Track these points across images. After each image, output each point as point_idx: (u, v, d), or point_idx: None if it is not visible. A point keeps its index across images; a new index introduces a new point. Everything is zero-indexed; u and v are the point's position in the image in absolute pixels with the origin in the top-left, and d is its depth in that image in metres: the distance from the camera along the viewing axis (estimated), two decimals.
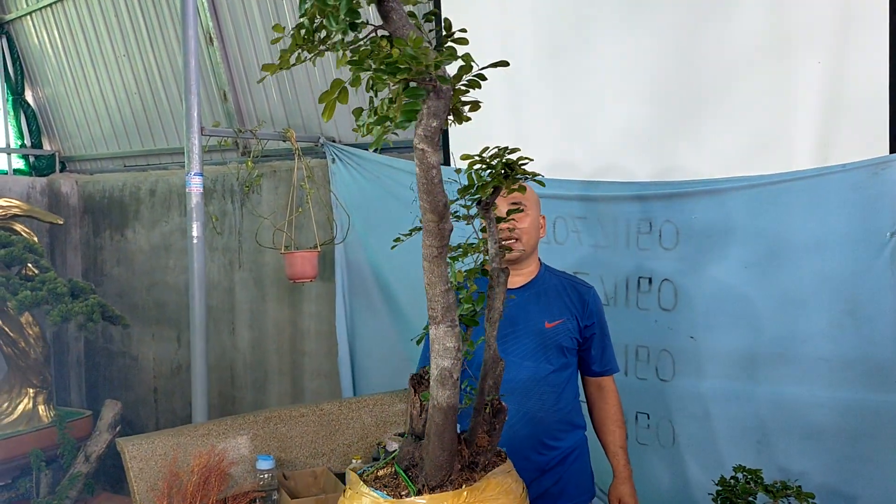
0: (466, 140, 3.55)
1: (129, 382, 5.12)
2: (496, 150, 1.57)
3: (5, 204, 3.77)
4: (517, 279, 2.45)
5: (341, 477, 3.39)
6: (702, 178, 2.86)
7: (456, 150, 3.62)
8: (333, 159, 3.95)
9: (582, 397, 2.58)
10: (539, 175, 1.63)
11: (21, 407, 3.75)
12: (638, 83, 3.00)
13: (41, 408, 3.80)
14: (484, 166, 1.55)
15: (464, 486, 1.48)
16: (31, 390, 3.79)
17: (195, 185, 3.38)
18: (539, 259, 2.53)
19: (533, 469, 2.43)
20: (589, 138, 3.16)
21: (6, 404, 3.76)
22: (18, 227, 3.86)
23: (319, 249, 3.86)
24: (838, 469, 2.65)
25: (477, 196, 1.57)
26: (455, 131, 3.59)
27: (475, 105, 1.32)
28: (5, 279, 3.45)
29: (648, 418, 3.12)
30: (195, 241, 3.38)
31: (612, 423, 2.51)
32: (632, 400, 3.11)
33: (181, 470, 3.12)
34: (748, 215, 2.77)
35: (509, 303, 2.27)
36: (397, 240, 1.67)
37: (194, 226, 3.38)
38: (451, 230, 1.35)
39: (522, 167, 1.58)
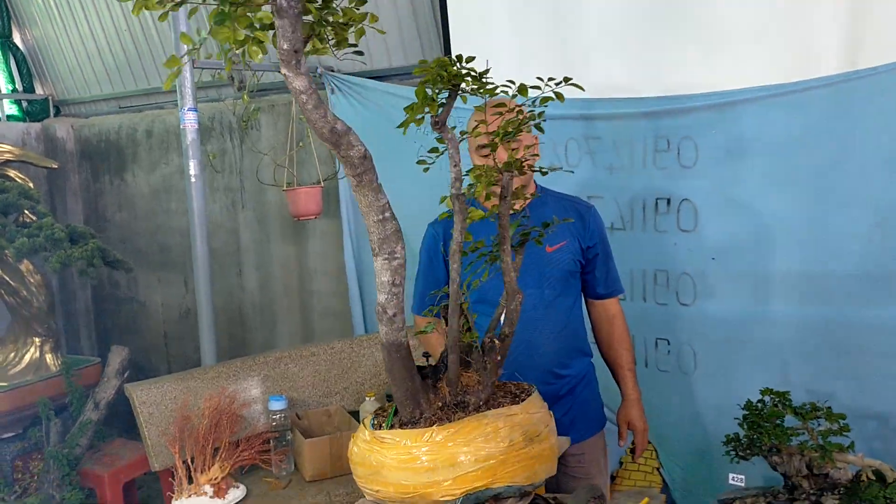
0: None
1: (138, 328, 5.07)
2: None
3: None
4: (514, 204, 2.35)
5: (355, 415, 3.35)
6: (718, 90, 2.71)
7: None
8: (333, 90, 3.79)
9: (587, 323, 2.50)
10: (507, 87, 1.47)
11: (28, 356, 3.69)
12: None
13: (48, 356, 3.74)
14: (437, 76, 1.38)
15: (434, 426, 1.37)
16: (37, 339, 3.72)
17: (189, 122, 3.24)
18: (535, 181, 2.42)
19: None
20: (591, 56, 2.99)
21: (12, 354, 3.70)
22: (12, 173, 3.74)
23: (322, 185, 3.73)
24: (869, 389, 2.56)
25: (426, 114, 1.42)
26: (459, 51, 3.42)
27: (360, 31, 1.26)
28: (1, 227, 3.35)
29: (668, 344, 3.03)
30: (193, 180, 3.26)
31: (619, 345, 2.44)
32: (651, 326, 3.03)
33: (192, 413, 3.07)
34: (771, 127, 2.63)
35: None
36: (421, 162, 1.53)
37: (191, 164, 3.26)
38: (362, 156, 1.26)
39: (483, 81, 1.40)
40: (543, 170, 1.68)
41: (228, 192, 4.46)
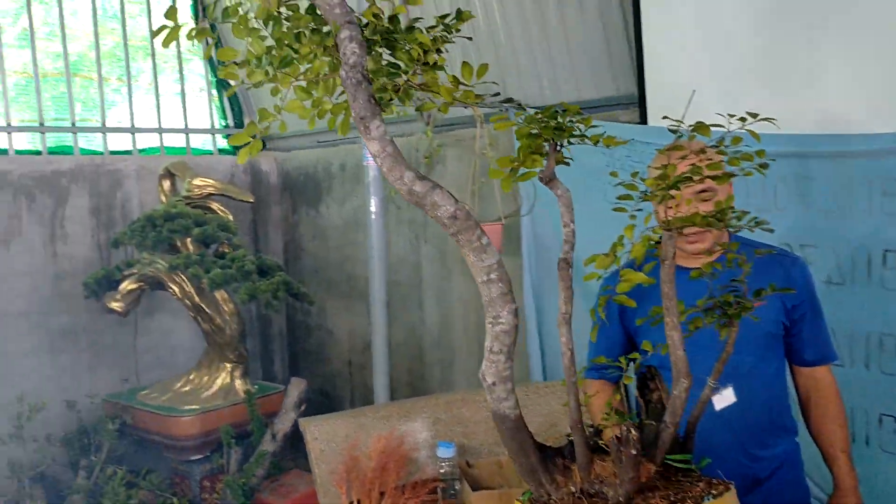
0: (668, 95, 3.14)
1: (326, 355, 5.20)
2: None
3: (201, 183, 3.86)
4: (704, 257, 2.07)
5: None
6: None
7: (655, 107, 3.22)
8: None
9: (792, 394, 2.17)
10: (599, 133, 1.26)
11: (219, 381, 3.86)
12: (871, 13, 2.44)
13: (238, 382, 3.88)
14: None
15: None
16: (228, 365, 3.88)
17: (371, 158, 3.24)
18: (727, 229, 2.12)
19: (736, 483, 2.07)
20: (812, 85, 2.63)
21: (205, 378, 3.88)
22: (214, 205, 3.95)
23: (504, 222, 3.60)
24: None
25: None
26: (654, 85, 3.18)
27: (482, 68, 1.24)
28: (200, 257, 3.52)
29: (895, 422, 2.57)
30: (374, 216, 3.25)
31: (831, 421, 2.08)
32: (874, 399, 2.59)
33: (360, 454, 3.02)
34: None
35: (693, 285, 1.91)
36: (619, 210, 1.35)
37: (373, 201, 3.26)
38: (451, 216, 1.20)
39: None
40: (745, 226, 1.42)
41: (412, 226, 4.45)
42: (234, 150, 5.44)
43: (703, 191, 1.93)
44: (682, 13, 3.07)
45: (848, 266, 2.61)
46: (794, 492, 2.11)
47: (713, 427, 2.03)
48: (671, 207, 1.96)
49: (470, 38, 1.47)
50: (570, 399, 1.31)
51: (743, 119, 1.31)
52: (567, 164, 1.36)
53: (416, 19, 1.31)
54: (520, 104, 3.65)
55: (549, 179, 1.30)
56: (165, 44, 1.21)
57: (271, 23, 1.24)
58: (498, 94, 3.71)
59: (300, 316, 5.37)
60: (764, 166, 1.35)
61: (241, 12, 1.21)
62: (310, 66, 1.21)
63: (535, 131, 1.25)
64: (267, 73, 1.21)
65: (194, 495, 3.75)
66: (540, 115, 1.25)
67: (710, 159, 1.33)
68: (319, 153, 5.03)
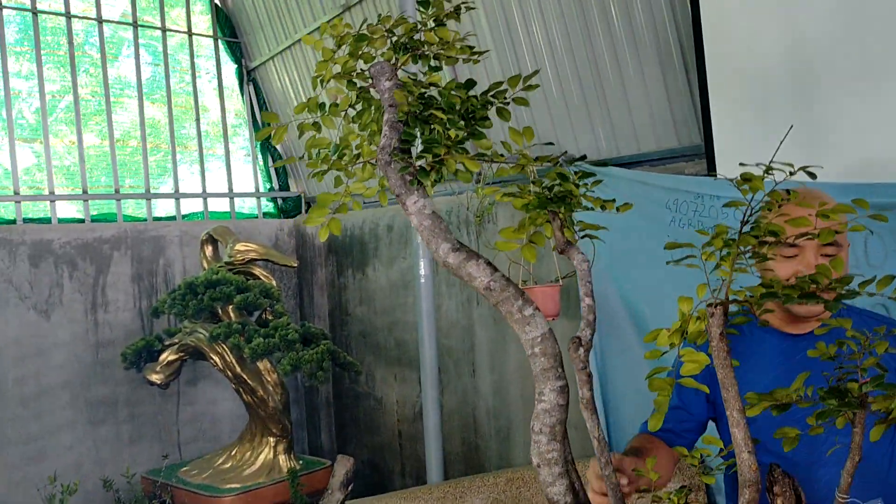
0: (741, 142, 2.91)
1: (374, 425, 4.96)
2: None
3: (243, 248, 3.72)
4: (804, 325, 1.79)
5: None
6: None
7: (725, 160, 2.99)
8: (577, 184, 3.44)
9: None
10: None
11: (262, 457, 3.65)
12: None
13: (281, 457, 3.67)
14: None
15: None
16: (272, 439, 3.68)
17: (415, 210, 3.06)
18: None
19: None
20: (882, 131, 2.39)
21: (248, 453, 3.67)
22: (257, 270, 3.81)
23: (561, 283, 3.36)
24: None
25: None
26: (725, 134, 2.96)
27: (528, 132, 1.23)
28: (241, 326, 3.36)
29: None
30: (423, 280, 3.05)
31: None
32: None
33: None
34: None
35: (799, 353, 1.65)
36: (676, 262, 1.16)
37: (422, 264, 3.06)
38: (486, 287, 1.20)
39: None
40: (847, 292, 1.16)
41: (464, 288, 4.24)
42: (279, 212, 5.33)
43: (829, 244, 1.68)
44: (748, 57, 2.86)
45: None
46: None
47: None
48: (770, 270, 1.72)
49: (525, 103, 1.31)
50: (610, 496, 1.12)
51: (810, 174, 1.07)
52: (592, 237, 1.25)
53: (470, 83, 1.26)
54: (576, 158, 3.45)
55: (563, 249, 1.22)
56: (259, 138, 1.25)
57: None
58: (564, 153, 3.52)
59: (347, 383, 5.16)
60: (880, 217, 1.12)
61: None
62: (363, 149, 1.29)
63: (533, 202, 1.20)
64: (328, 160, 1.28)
65: None
66: (539, 181, 1.20)
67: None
68: (366, 213, 4.88)
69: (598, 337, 3.45)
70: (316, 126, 1.33)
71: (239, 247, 3.70)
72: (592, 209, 1.23)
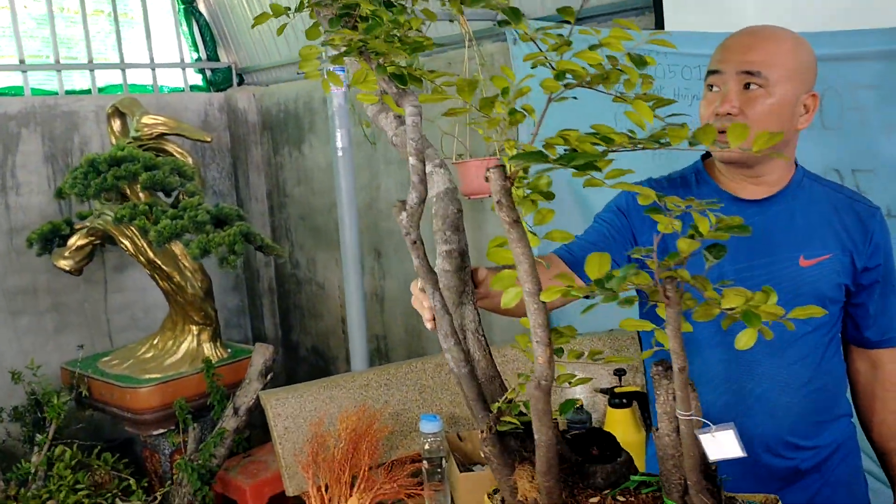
0: None
1: (318, 311, 4.76)
2: None
3: (151, 122, 3.36)
4: (756, 189, 1.57)
5: None
6: None
7: (674, 13, 2.67)
8: (515, 40, 3.12)
9: None
10: None
11: (185, 346, 3.43)
12: None
13: (206, 346, 3.46)
14: None
15: None
16: (195, 328, 3.45)
17: (335, 85, 2.72)
18: (796, 161, 1.61)
19: (770, 479, 1.62)
20: None
21: (170, 342, 3.46)
22: (170, 146, 3.47)
23: (499, 157, 3.09)
24: None
25: None
26: None
27: None
28: (148, 206, 3.06)
29: None
30: (340, 153, 2.75)
31: (892, 414, 1.63)
32: None
33: (329, 432, 2.59)
34: None
35: (745, 221, 1.43)
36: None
37: (338, 135, 2.75)
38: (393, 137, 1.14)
39: None
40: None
41: (402, 166, 3.94)
42: (208, 86, 4.93)
43: (750, 75, 1.46)
44: None
45: None
46: (847, 486, 1.65)
47: (747, 410, 1.58)
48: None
49: None
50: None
51: None
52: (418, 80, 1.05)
53: None
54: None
55: (397, 101, 1.07)
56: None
57: None
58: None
59: (290, 269, 4.92)
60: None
61: None
62: None
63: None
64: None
65: (164, 471, 3.37)
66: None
67: None
68: (300, 86, 4.49)
69: None
70: None
71: (146, 120, 3.35)
72: None
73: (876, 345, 1.62)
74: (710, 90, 1.51)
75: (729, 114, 1.45)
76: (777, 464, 1.62)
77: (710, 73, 1.52)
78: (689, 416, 0.88)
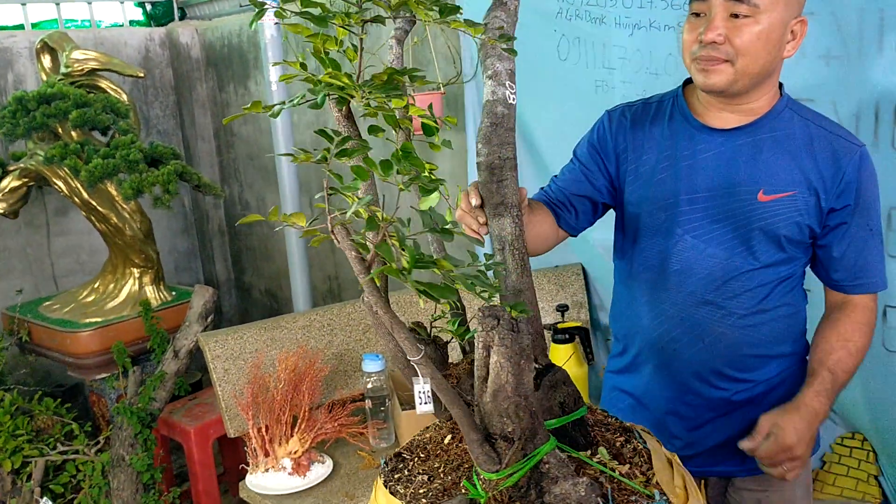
0: None
1: (269, 252, 4.69)
2: None
3: (81, 57, 3.22)
4: (730, 118, 1.53)
5: None
6: None
7: None
8: None
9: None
10: None
11: (126, 289, 3.36)
12: None
13: (148, 289, 3.39)
14: None
15: None
16: (136, 270, 3.37)
17: (268, 14, 2.61)
18: (781, 90, 1.54)
19: (702, 407, 1.65)
20: None
21: (112, 286, 3.38)
22: (104, 83, 3.33)
23: (443, 90, 3.01)
24: None
25: None
26: None
27: None
28: (79, 145, 2.95)
29: None
30: (273, 87, 2.65)
31: (837, 338, 1.56)
32: None
33: (269, 373, 2.57)
34: None
35: (710, 151, 1.51)
36: None
37: (272, 70, 2.65)
38: None
39: None
40: None
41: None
42: (148, 20, 4.75)
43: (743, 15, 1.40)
44: None
45: (851, 125, 2.05)
46: None
47: (682, 336, 1.58)
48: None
49: None
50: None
51: None
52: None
53: None
54: None
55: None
56: None
57: None
58: None
59: (239, 209, 4.84)
60: None
61: None
62: None
63: None
64: None
65: (112, 416, 3.33)
66: None
67: None
68: (244, 19, 4.34)
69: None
70: None
71: (76, 55, 3.21)
72: None
73: (847, 290, 1.58)
74: (696, 17, 1.45)
75: (714, 42, 1.40)
76: (707, 392, 1.62)
77: (694, 13, 1.48)
78: None
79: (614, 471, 0.97)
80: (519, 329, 0.93)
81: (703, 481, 1.75)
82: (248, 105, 1.00)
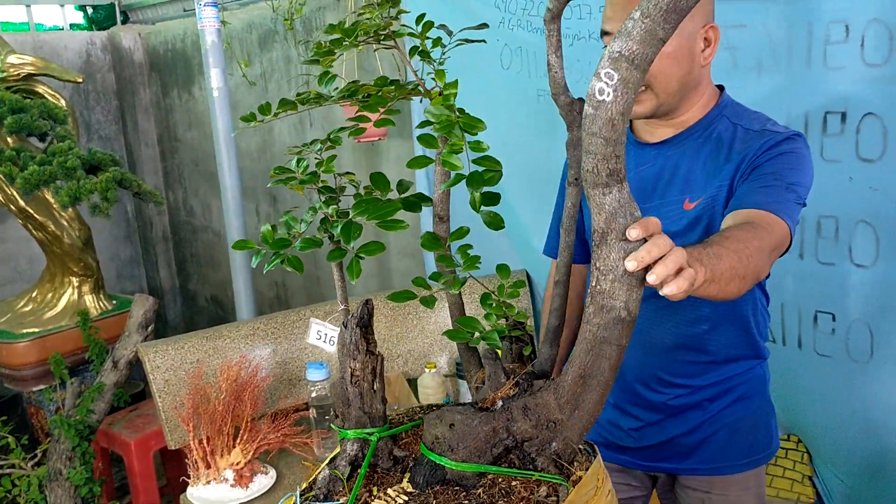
0: None
1: (215, 259, 4.64)
2: None
3: (17, 61, 3.14)
4: (665, 131, 1.55)
5: (416, 386, 2.75)
6: None
7: None
8: None
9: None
10: None
11: (65, 298, 3.29)
12: None
13: (87, 298, 3.32)
14: None
15: None
16: (75, 279, 3.30)
17: (209, 19, 2.58)
18: (718, 93, 1.55)
19: (649, 409, 1.67)
20: None
21: (49, 295, 3.31)
22: (42, 88, 3.26)
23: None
24: None
25: None
26: None
27: None
28: (15, 152, 2.88)
29: (833, 320, 2.15)
30: (216, 93, 2.63)
31: (739, 232, 1.27)
32: (809, 294, 2.15)
33: (210, 384, 2.54)
34: None
35: (645, 165, 1.54)
36: None
37: (213, 74, 2.62)
38: None
39: None
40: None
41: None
42: (90, 24, 4.66)
43: None
44: None
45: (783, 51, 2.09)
46: (731, 428, 1.63)
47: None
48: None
49: None
50: None
51: None
52: None
53: None
54: None
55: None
56: None
57: None
58: None
59: (184, 216, 4.77)
60: None
61: None
62: None
63: None
64: None
65: (50, 429, 3.25)
66: None
67: None
68: (188, 24, 4.29)
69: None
70: None
71: (11, 59, 3.13)
72: None
73: (747, 206, 1.35)
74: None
75: None
76: (650, 396, 1.65)
77: (603, 33, 1.49)
78: None
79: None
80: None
81: (653, 477, 1.79)
82: (247, 115, 1.01)
